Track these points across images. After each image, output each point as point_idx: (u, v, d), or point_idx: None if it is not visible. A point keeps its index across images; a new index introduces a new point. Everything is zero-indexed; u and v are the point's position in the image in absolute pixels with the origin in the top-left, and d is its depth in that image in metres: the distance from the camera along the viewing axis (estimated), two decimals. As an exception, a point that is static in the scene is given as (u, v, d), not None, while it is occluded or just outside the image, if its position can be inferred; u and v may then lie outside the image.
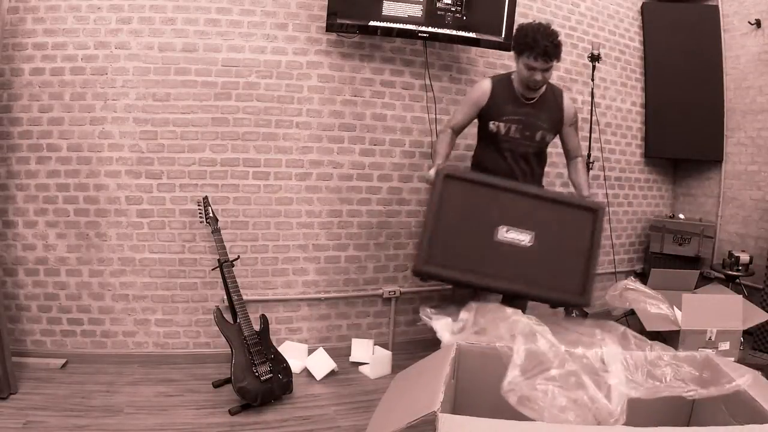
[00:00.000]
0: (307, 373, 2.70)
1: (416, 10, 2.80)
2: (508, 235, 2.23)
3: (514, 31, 2.49)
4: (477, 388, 1.60)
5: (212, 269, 2.65)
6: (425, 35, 2.85)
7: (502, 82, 2.54)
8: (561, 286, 2.23)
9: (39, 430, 2.03)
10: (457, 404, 1.62)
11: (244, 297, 2.46)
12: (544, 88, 2.49)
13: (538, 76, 2.40)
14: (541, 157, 2.66)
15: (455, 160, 3.10)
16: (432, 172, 2.47)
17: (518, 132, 2.52)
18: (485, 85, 2.54)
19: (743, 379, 1.37)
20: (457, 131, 2.66)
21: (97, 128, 2.62)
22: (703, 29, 3.81)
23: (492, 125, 2.54)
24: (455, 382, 1.60)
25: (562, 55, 3.47)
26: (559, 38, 2.40)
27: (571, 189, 2.79)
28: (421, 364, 1.69)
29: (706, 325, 2.68)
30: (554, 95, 2.56)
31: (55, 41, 2.55)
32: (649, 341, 1.55)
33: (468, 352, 1.62)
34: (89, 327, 2.69)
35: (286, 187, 2.87)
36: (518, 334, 1.52)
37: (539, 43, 2.33)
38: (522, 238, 2.24)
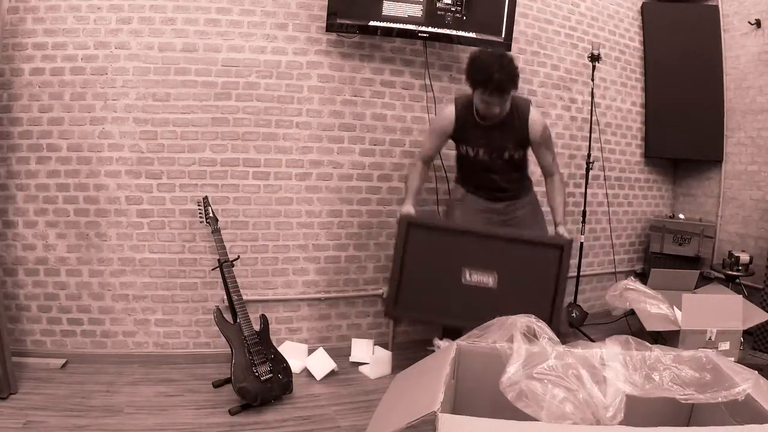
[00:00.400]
0: (307, 373, 2.70)
1: (416, 10, 2.80)
2: (473, 278, 2.37)
3: (468, 62, 2.42)
4: (477, 388, 1.60)
5: (212, 269, 2.65)
6: (425, 35, 2.85)
7: (465, 107, 2.52)
8: None
9: (39, 430, 2.03)
10: (457, 404, 1.62)
11: (244, 297, 2.46)
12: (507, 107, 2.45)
13: (496, 110, 2.38)
14: (516, 165, 2.65)
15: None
16: (404, 209, 2.53)
17: (486, 154, 2.55)
18: (449, 114, 2.55)
19: (746, 384, 1.36)
20: (428, 161, 2.70)
21: (97, 128, 2.62)
22: (703, 29, 3.81)
23: (462, 148, 2.61)
24: (455, 382, 1.60)
25: (562, 55, 3.51)
26: (516, 68, 2.34)
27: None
28: (421, 364, 1.69)
29: (706, 325, 2.68)
30: (518, 114, 2.50)
31: (55, 41, 2.55)
32: (651, 345, 1.55)
33: (468, 352, 1.62)
34: (89, 327, 2.69)
35: (286, 187, 2.87)
36: (518, 332, 1.53)
37: (493, 79, 2.26)
38: (486, 279, 2.37)
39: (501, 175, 2.62)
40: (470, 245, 2.40)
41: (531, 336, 1.52)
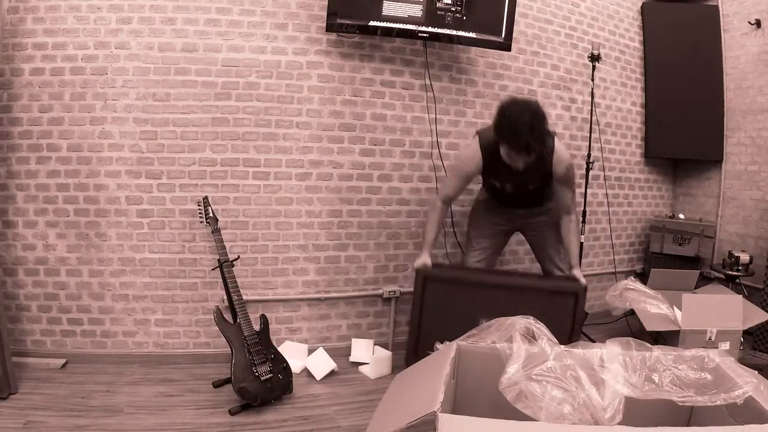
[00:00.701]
0: (307, 373, 2.70)
1: (416, 10, 2.79)
2: None
3: (498, 113, 2.28)
4: (477, 388, 1.60)
5: (212, 269, 2.65)
6: (425, 35, 2.85)
7: (490, 149, 2.43)
8: None
9: (39, 430, 2.03)
10: (457, 404, 1.62)
11: (244, 297, 2.46)
12: None
13: (520, 164, 2.32)
14: (541, 189, 2.61)
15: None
16: (420, 261, 2.55)
17: (512, 188, 2.55)
18: (474, 155, 2.48)
19: (747, 387, 1.36)
20: (449, 203, 2.67)
21: (97, 128, 2.62)
22: (703, 29, 3.81)
23: (489, 179, 2.61)
24: (455, 382, 1.60)
25: (562, 55, 3.51)
26: (546, 127, 2.24)
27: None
28: (421, 364, 1.69)
29: (706, 325, 2.68)
30: (543, 155, 2.39)
31: (55, 41, 2.55)
32: (652, 346, 1.55)
33: (468, 352, 1.63)
34: (89, 327, 2.70)
35: (286, 187, 2.87)
36: (517, 333, 1.53)
37: (520, 140, 2.18)
38: None
39: (524, 196, 2.62)
40: (485, 296, 2.45)
41: (530, 337, 1.52)
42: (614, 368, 1.42)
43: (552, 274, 2.80)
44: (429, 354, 2.40)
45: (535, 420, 1.28)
